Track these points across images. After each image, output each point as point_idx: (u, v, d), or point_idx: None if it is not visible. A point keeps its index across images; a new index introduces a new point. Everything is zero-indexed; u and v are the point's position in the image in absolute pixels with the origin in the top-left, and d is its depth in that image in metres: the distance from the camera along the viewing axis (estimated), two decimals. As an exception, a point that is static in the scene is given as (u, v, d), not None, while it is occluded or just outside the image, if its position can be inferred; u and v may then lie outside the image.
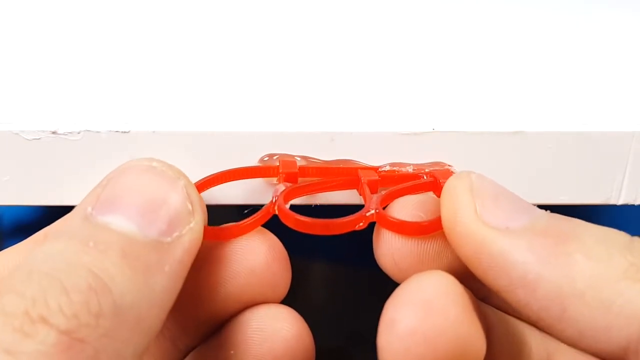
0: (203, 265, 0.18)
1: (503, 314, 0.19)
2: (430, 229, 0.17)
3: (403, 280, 0.17)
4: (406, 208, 0.18)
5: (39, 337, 0.12)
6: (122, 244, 0.14)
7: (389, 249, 0.17)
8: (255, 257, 0.18)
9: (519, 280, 0.14)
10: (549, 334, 0.15)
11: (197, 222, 0.15)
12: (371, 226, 0.17)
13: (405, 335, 0.15)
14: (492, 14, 0.30)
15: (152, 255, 0.14)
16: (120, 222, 0.14)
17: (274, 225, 0.18)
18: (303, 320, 0.18)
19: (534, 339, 0.19)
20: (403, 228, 0.17)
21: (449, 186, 0.16)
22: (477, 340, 0.16)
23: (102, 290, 0.13)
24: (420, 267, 0.17)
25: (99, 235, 0.14)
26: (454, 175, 0.17)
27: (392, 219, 0.17)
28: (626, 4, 0.32)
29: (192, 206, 0.15)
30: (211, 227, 0.17)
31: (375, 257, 0.18)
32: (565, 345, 0.19)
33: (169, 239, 0.14)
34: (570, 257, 0.14)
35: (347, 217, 0.17)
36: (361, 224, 0.17)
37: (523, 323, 0.19)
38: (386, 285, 0.18)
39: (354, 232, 0.17)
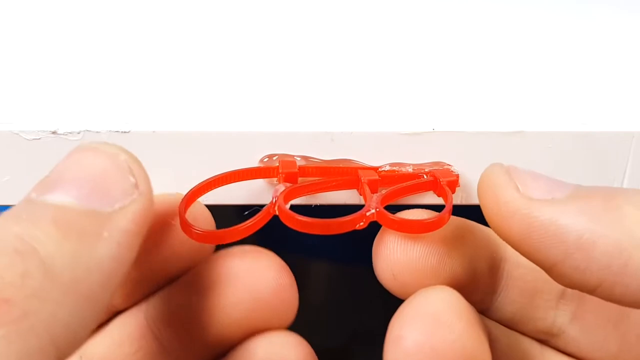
0: (209, 288, 0.18)
1: (504, 328, 0.19)
2: (432, 226, 0.17)
3: (403, 294, 0.17)
4: (410, 213, 0.18)
5: None
6: (55, 214, 0.13)
7: (388, 263, 0.17)
8: (262, 284, 0.18)
9: (575, 244, 0.14)
10: (611, 299, 0.14)
11: (143, 193, 0.15)
12: (372, 226, 0.17)
13: (412, 351, 0.15)
14: (492, 14, 0.30)
15: (88, 222, 0.13)
16: (57, 197, 0.14)
17: (275, 225, 0.18)
18: (309, 346, 0.18)
19: (535, 352, 0.19)
20: (404, 226, 0.17)
21: (485, 175, 0.16)
22: (483, 354, 0.16)
23: (28, 252, 0.12)
24: (419, 281, 0.17)
25: (34, 209, 0.14)
26: (487, 167, 0.16)
27: (393, 218, 0.17)
28: (626, 4, 0.32)
29: (135, 179, 0.15)
30: (212, 231, 0.17)
31: (375, 271, 0.18)
32: (566, 357, 0.19)
33: (109, 209, 0.14)
34: (620, 209, 0.14)
35: (348, 216, 0.17)
36: (362, 223, 0.17)
37: (524, 336, 0.19)
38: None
39: (355, 232, 0.17)
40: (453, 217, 0.18)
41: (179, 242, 0.18)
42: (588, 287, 0.14)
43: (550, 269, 0.15)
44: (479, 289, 0.19)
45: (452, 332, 0.15)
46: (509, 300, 0.19)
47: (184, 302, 0.18)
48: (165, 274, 0.18)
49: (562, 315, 0.19)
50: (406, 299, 0.17)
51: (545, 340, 0.19)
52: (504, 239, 0.15)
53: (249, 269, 0.18)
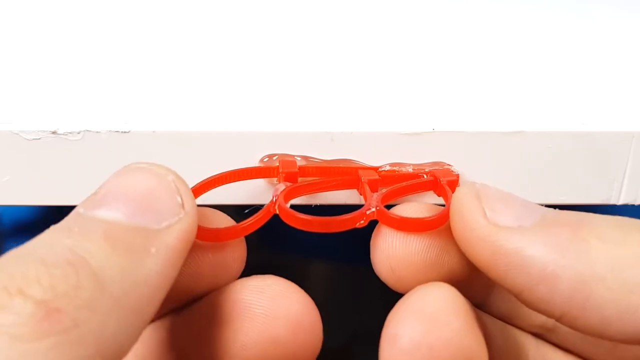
0: (225, 321, 0.17)
1: (500, 322, 0.19)
2: (432, 225, 0.17)
3: (400, 288, 0.17)
4: (408, 209, 0.18)
5: (16, 308, 0.11)
6: (105, 229, 0.14)
7: (386, 257, 0.17)
8: (280, 326, 0.17)
9: (538, 275, 0.14)
10: (574, 329, 0.14)
11: (188, 213, 0.15)
12: (372, 225, 0.17)
13: (408, 349, 0.15)
14: (492, 14, 0.30)
15: (137, 238, 0.14)
16: (106, 213, 0.14)
17: (275, 225, 0.18)
18: None
19: (530, 346, 0.19)
20: (404, 224, 0.17)
21: (455, 199, 0.16)
22: (480, 351, 0.16)
23: (80, 264, 0.13)
24: (417, 275, 0.17)
25: (84, 223, 0.14)
26: (457, 188, 0.17)
27: (393, 216, 0.17)
28: (626, 4, 0.32)
29: (181, 199, 0.15)
30: (211, 229, 0.17)
31: (373, 265, 0.18)
32: (561, 352, 0.19)
33: (157, 227, 0.14)
34: (585, 242, 0.14)
35: (348, 214, 0.16)
36: (362, 221, 0.17)
37: (520, 331, 0.19)
38: (386, 285, 0.18)
39: (355, 231, 0.17)
40: None
41: (201, 260, 0.17)
42: (553, 316, 0.15)
43: (517, 295, 0.15)
44: (475, 283, 0.19)
45: (448, 330, 0.15)
46: (504, 295, 0.19)
47: (203, 329, 0.18)
48: (188, 292, 0.18)
49: None
50: (404, 292, 0.17)
51: (541, 334, 0.19)
52: (472, 262, 0.16)
53: (267, 308, 0.17)
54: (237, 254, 0.18)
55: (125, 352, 0.13)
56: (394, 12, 0.30)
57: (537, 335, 0.19)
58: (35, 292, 0.12)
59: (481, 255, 0.15)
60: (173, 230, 0.14)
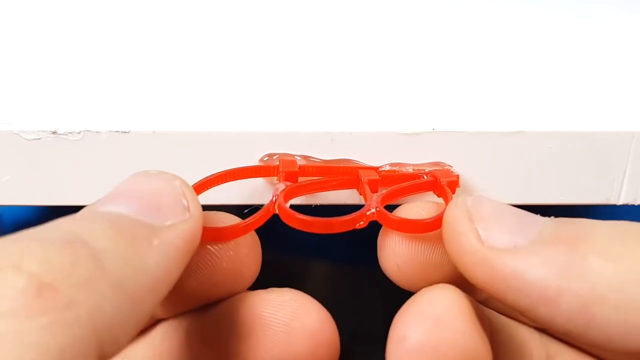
0: (242, 333, 0.17)
1: (504, 317, 0.19)
2: (431, 226, 0.17)
3: (406, 285, 0.17)
4: (409, 210, 0.18)
5: (8, 282, 0.11)
6: (110, 217, 0.14)
7: (393, 255, 0.17)
8: (298, 343, 0.17)
9: (539, 298, 0.14)
10: (578, 345, 0.14)
11: (193, 216, 0.15)
12: (372, 226, 0.17)
13: (415, 351, 0.15)
14: (492, 14, 0.30)
15: (140, 230, 0.14)
16: (113, 208, 0.14)
17: (275, 224, 0.18)
18: None
19: (534, 341, 0.19)
20: (404, 226, 0.17)
21: (447, 218, 0.16)
22: (484, 352, 0.16)
23: (79, 244, 0.12)
24: (423, 272, 0.17)
25: (88, 212, 0.14)
26: (449, 205, 0.16)
27: (393, 217, 0.17)
28: (626, 4, 0.32)
29: (187, 203, 0.15)
30: (211, 227, 0.17)
31: (379, 262, 0.18)
32: (565, 345, 0.19)
33: (159, 224, 0.14)
34: (585, 260, 0.14)
35: (348, 215, 0.16)
36: (362, 222, 0.17)
37: (523, 325, 0.19)
38: (386, 286, 0.18)
39: (355, 232, 0.17)
40: None
41: (215, 268, 0.17)
42: (557, 334, 0.14)
43: (520, 313, 0.15)
44: None
45: (454, 333, 0.15)
46: None
47: (220, 339, 0.18)
48: (203, 296, 0.18)
49: None
50: (409, 289, 0.17)
51: (544, 329, 0.19)
52: (471, 282, 0.15)
53: (288, 325, 0.17)
54: (251, 262, 0.18)
55: (124, 340, 0.13)
56: (393, 12, 0.30)
57: (541, 330, 0.20)
58: (30, 265, 0.12)
59: (479, 279, 0.15)
60: (176, 228, 0.14)
